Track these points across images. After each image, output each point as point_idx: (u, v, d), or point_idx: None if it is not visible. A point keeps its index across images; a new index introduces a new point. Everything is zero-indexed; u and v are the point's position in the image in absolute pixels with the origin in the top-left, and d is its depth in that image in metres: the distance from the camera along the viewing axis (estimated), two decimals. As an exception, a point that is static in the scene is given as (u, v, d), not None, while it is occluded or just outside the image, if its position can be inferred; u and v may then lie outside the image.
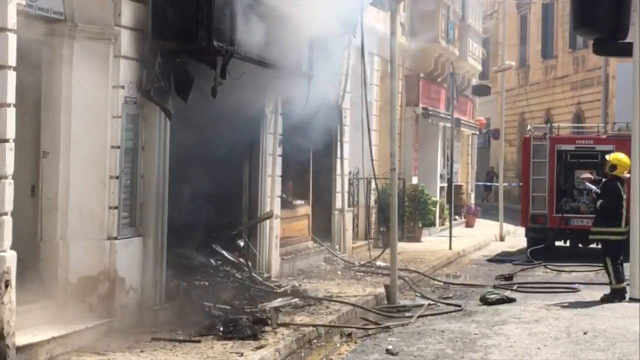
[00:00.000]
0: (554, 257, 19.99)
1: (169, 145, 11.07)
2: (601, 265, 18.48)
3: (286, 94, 14.62)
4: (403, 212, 21.45)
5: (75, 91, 10.09)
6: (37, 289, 9.79)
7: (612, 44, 5.01)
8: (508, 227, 26.66)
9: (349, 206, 19.30)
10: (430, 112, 24.87)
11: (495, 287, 15.34)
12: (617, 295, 13.86)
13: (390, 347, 10.15)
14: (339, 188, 18.47)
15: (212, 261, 12.84)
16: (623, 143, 18.45)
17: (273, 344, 9.91)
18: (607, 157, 14.64)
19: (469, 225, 28.60)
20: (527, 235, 21.30)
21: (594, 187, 15.40)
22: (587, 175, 18.23)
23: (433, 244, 22.07)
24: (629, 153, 13.56)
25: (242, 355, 9.33)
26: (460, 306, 13.15)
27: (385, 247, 17.62)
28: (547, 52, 40.05)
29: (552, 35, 39.39)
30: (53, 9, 9.84)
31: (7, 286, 8.25)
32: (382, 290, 13.83)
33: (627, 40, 5.01)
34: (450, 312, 12.76)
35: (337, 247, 18.28)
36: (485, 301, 13.58)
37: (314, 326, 11.05)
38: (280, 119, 14.85)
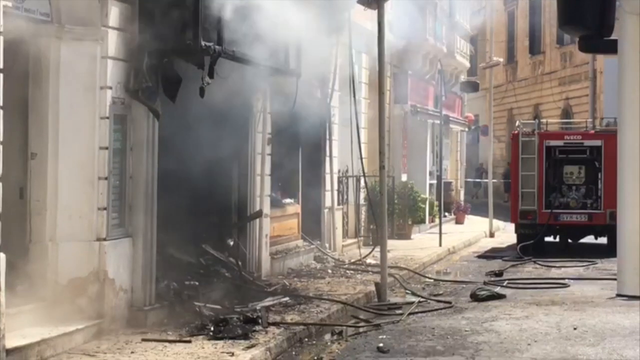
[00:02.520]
0: (544, 252, 20.06)
1: (157, 145, 11.05)
2: (590, 260, 18.68)
3: (274, 93, 14.62)
4: (392, 209, 21.47)
5: (63, 92, 10.06)
6: (27, 290, 9.77)
7: (597, 41, 5.03)
8: (497, 223, 26.72)
9: (339, 204, 19.31)
10: (419, 109, 24.90)
11: (485, 283, 15.38)
12: None
13: (380, 345, 10.16)
14: (328, 186, 18.48)
15: (202, 261, 12.84)
16: (611, 138, 18.52)
17: (263, 343, 9.92)
18: None
19: (459, 221, 28.66)
20: (516, 231, 21.35)
21: None
22: None
23: (423, 241, 22.11)
24: (616, 148, 13.61)
25: (232, 354, 9.32)
26: (450, 303, 13.18)
27: (375, 245, 17.63)
28: (535, 48, 40.14)
29: (540, 31, 39.48)
30: (40, 10, 9.81)
31: (-4, 288, 8.23)
32: (372, 287, 13.85)
33: (612, 37, 5.02)
34: (441, 308, 12.79)
35: (327, 245, 18.28)
36: (475, 297, 13.61)
37: (305, 324, 11.06)
38: (268, 118, 14.84)
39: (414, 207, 23.19)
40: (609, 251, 18.53)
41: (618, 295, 13.70)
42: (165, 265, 11.69)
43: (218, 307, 11.35)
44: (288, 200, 16.87)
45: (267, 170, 14.95)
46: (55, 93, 10.05)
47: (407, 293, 14.41)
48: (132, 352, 9.35)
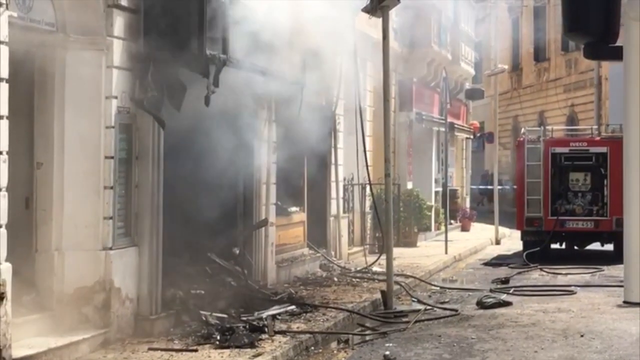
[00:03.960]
0: (550, 259, 20.03)
1: (162, 154, 11.06)
2: (596, 266, 18.63)
3: (279, 101, 14.63)
4: (398, 217, 21.46)
5: (68, 102, 10.09)
6: (33, 300, 9.79)
7: (602, 47, 5.02)
8: (503, 230, 26.69)
9: (344, 212, 19.30)
10: (424, 117, 24.89)
11: (491, 290, 15.36)
12: None
13: (387, 353, 10.15)
14: (333, 194, 18.48)
15: (208, 269, 12.83)
16: (617, 144, 18.51)
17: (270, 351, 9.91)
18: None
19: (465, 229, 28.62)
20: (522, 238, 21.33)
21: None
22: None
23: (429, 249, 22.09)
24: (622, 154, 13.56)
25: (239, 363, 9.32)
26: (456, 310, 13.16)
27: (380, 253, 17.61)
28: (539, 55, 40.12)
29: (544, 37, 39.47)
30: (45, 20, 9.84)
31: (2, 298, 8.24)
32: (378, 295, 13.83)
33: (617, 44, 5.02)
34: (447, 316, 12.77)
35: (333, 253, 18.27)
36: (481, 305, 13.59)
37: (311, 333, 11.05)
38: (273, 126, 14.85)
39: (420, 215, 23.18)
40: (616, 258, 18.46)
41: (625, 302, 13.65)
42: (171, 274, 11.68)
43: (224, 315, 11.35)
44: (294, 209, 16.86)
45: (273, 178, 14.95)
46: (60, 103, 10.07)
47: (413, 301, 14.38)
48: (138, 362, 9.36)
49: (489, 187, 38.26)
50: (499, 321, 12.28)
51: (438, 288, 16.10)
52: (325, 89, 16.85)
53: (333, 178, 18.43)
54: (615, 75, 29.26)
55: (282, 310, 12.31)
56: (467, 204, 32.16)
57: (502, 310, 13.30)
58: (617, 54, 4.98)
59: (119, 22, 10.42)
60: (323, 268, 17.15)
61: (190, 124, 11.88)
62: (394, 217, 15.61)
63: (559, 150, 21.11)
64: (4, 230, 8.40)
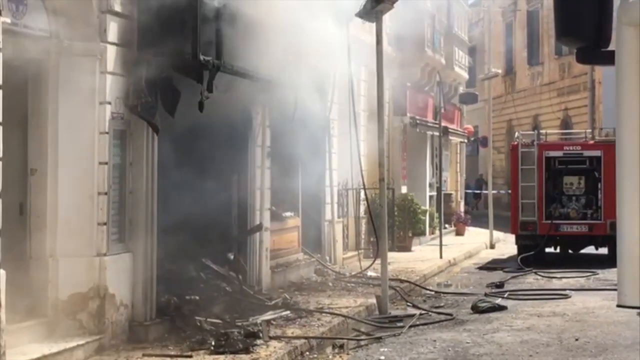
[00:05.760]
0: (544, 263, 20.06)
1: (156, 160, 11.06)
2: (591, 270, 18.65)
3: (273, 106, 14.64)
4: (393, 222, 21.47)
5: (62, 108, 10.07)
6: (27, 307, 9.76)
7: (595, 52, 5.02)
8: (498, 235, 26.72)
9: (339, 217, 19.30)
10: (418, 121, 24.93)
11: (486, 294, 15.37)
12: None
13: (382, 358, 10.16)
14: (328, 199, 18.48)
15: (202, 275, 12.82)
16: (610, 148, 18.57)
17: (265, 357, 9.91)
18: None
19: (459, 233, 28.65)
20: (517, 242, 21.36)
21: None
22: None
23: (423, 253, 22.10)
24: (615, 158, 13.61)
25: (233, 369, 9.31)
26: (451, 315, 13.17)
27: (375, 257, 17.61)
28: (533, 59, 40.23)
29: (538, 42, 39.58)
30: (38, 27, 9.83)
31: (-4, 305, 8.23)
32: (373, 300, 13.84)
33: (609, 49, 5.03)
34: (442, 321, 12.78)
35: (328, 258, 18.27)
36: (476, 309, 13.60)
37: (306, 338, 11.05)
38: (267, 131, 14.86)
39: (414, 219, 23.19)
40: (610, 261, 18.52)
41: (619, 306, 13.65)
42: (166, 279, 11.67)
43: (219, 321, 11.34)
44: (288, 214, 16.87)
45: (267, 183, 14.95)
46: (54, 109, 10.06)
47: (408, 305, 14.39)
48: (133, 368, 9.35)
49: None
50: (494, 325, 12.29)
51: (433, 292, 16.10)
52: (319, 93, 16.85)
53: (327, 183, 18.43)
54: (609, 79, 29.34)
55: (276, 315, 12.31)
56: (462, 208, 32.19)
57: (497, 314, 13.32)
58: (609, 59, 4.98)
59: (113, 28, 10.42)
60: (318, 273, 17.15)
61: (184, 130, 11.87)
62: (388, 222, 15.62)
63: (553, 154, 21.16)
64: (-2, 237, 8.39)
